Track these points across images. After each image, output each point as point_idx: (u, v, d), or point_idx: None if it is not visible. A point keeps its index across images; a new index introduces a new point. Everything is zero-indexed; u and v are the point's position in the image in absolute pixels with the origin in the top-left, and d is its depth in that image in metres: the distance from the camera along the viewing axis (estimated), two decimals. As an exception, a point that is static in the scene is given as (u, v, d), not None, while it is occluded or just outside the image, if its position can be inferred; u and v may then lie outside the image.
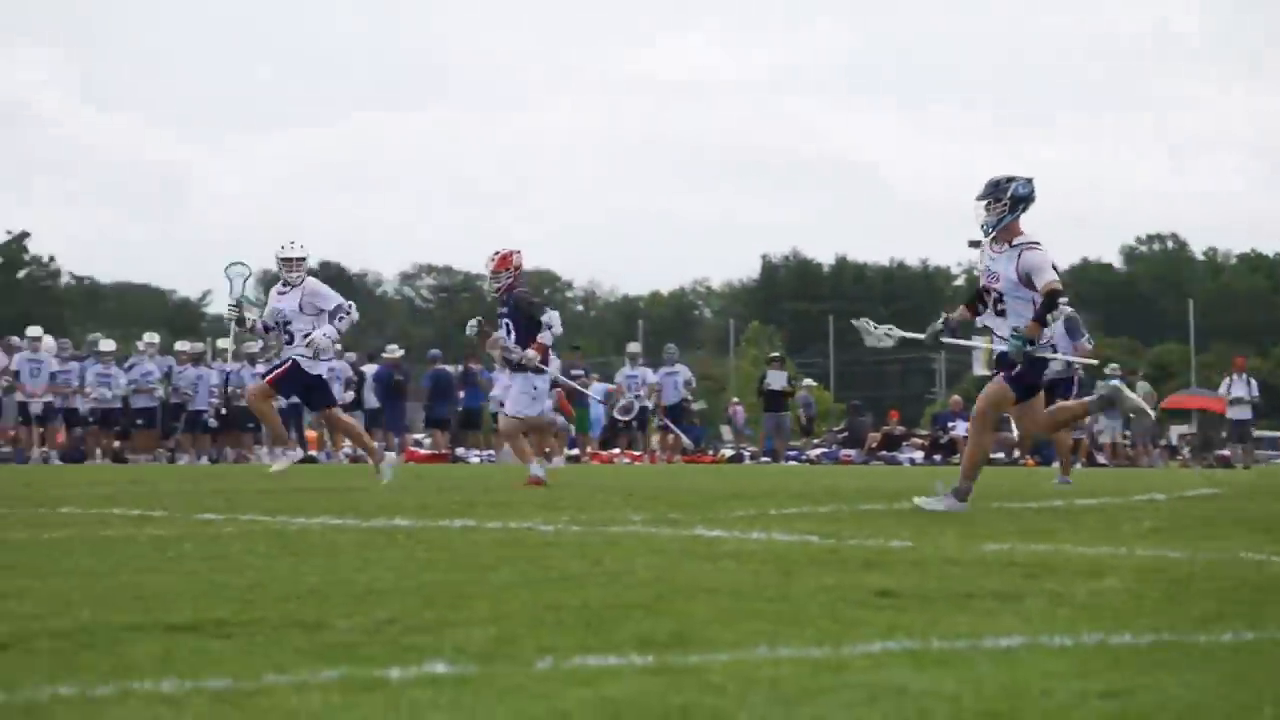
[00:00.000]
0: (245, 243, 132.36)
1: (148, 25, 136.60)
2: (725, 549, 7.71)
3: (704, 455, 35.41)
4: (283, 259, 16.14)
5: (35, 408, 29.38)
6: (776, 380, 35.49)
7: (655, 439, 34.21)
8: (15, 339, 30.60)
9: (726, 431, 44.20)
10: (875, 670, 4.24)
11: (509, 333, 15.63)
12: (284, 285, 16.20)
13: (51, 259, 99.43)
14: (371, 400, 32.96)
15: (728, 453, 37.25)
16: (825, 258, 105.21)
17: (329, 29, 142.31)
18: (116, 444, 30.44)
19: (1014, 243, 11.34)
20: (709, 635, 4.83)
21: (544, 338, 15.61)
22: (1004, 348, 11.39)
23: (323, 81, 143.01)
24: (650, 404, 32.64)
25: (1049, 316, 11.15)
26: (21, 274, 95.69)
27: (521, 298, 15.68)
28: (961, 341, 12.48)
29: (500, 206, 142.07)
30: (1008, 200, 11.36)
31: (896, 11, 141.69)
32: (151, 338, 31.58)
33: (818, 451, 37.55)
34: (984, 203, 11.39)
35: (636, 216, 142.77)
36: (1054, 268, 11.31)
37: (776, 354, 39.51)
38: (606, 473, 23.47)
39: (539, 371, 15.59)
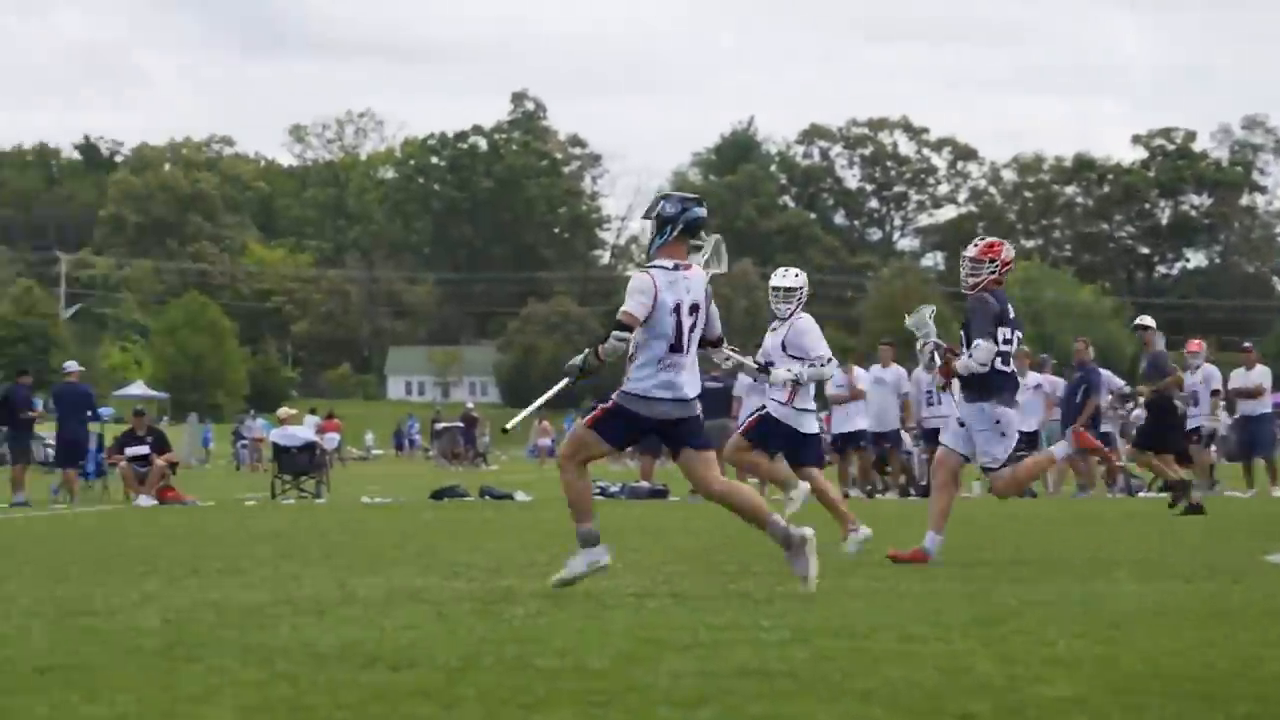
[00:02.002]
0: None
1: None
2: None
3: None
4: (773, 287, 15.29)
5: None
6: None
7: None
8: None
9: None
10: None
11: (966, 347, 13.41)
12: (775, 320, 15.33)
13: None
14: None
15: None
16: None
17: None
18: None
19: None
20: None
21: (962, 363, 13.36)
22: None
23: None
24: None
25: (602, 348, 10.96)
26: None
27: (972, 304, 13.43)
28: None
29: None
30: (654, 220, 11.15)
31: None
32: None
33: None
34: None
35: None
36: (642, 300, 10.86)
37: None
38: None
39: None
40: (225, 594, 10.94)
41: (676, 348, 10.88)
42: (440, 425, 66.67)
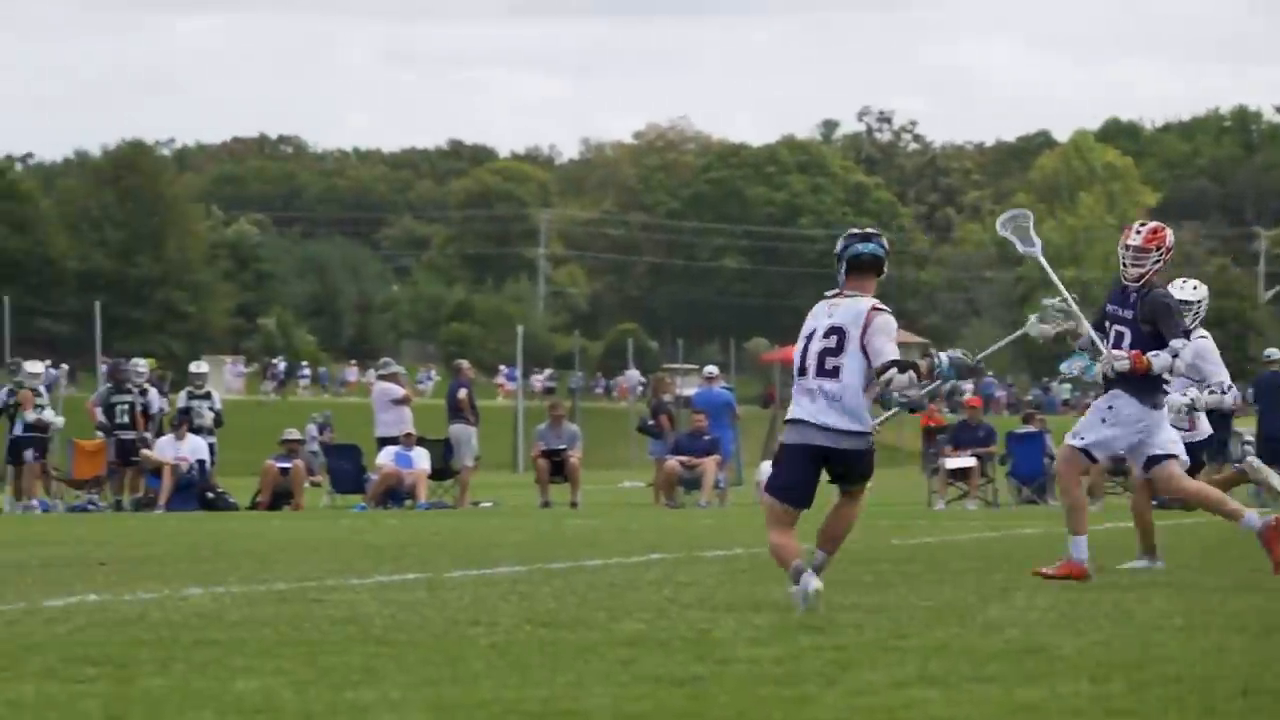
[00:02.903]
0: None
1: None
2: None
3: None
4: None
5: None
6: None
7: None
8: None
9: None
10: None
11: (1122, 342, 13.75)
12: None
13: None
14: None
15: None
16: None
17: None
18: None
19: None
20: None
21: (1159, 360, 13.42)
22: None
23: None
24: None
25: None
26: None
27: (1160, 301, 13.62)
28: None
29: None
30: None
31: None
32: None
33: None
34: None
35: None
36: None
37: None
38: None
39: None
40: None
41: (802, 372, 11.81)
42: None
